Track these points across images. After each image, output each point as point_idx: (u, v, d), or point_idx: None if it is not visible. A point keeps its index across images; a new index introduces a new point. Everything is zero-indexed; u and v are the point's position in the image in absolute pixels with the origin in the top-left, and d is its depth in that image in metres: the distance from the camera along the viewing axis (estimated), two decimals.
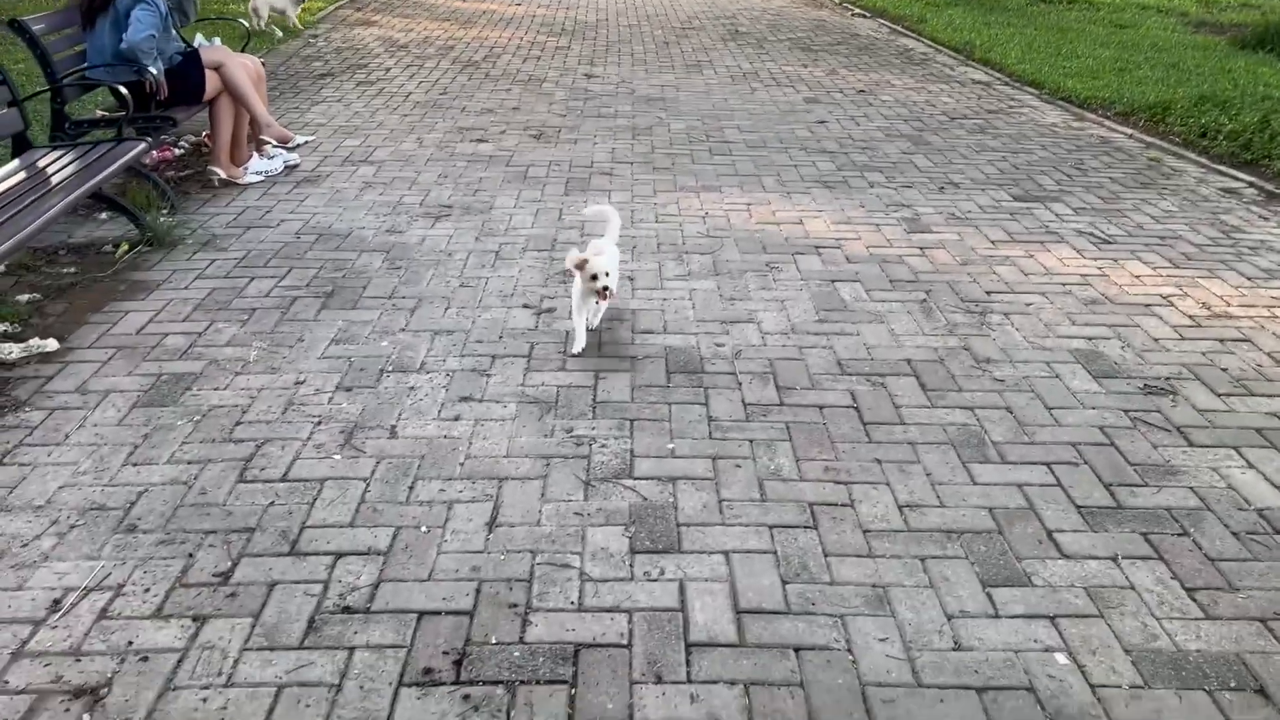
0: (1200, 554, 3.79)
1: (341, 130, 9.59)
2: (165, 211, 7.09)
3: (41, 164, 6.24)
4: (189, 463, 4.31)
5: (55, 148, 6.61)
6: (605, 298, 5.02)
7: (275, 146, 8.36)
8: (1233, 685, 3.18)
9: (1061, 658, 3.30)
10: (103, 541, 3.81)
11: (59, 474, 4.21)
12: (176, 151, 8.54)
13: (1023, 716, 3.06)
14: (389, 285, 6.15)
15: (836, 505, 4.08)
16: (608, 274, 4.93)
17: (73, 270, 6.28)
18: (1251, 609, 3.51)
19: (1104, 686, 3.18)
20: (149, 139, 6.90)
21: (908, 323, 5.72)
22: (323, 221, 7.21)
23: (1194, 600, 3.55)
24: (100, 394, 4.85)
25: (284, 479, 4.21)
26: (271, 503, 4.05)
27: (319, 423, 4.64)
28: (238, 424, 4.61)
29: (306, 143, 8.91)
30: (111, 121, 7.20)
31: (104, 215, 7.06)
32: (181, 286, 6.09)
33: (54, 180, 5.96)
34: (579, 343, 5.16)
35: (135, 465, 4.28)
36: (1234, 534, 3.90)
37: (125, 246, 6.59)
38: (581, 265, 4.96)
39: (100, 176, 6.00)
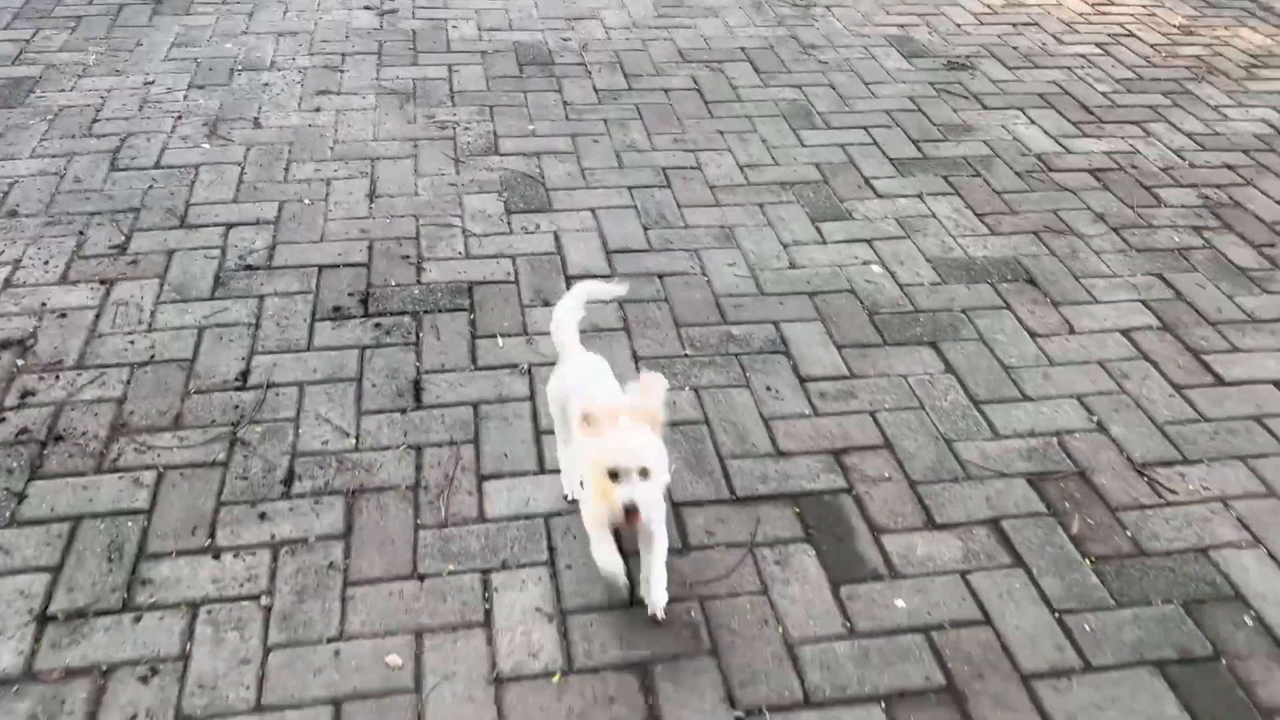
0: (989, 188, 4.49)
1: None
2: None
3: None
4: (54, 156, 4.34)
5: None
6: (634, 521, 2.34)
7: None
8: (1009, 278, 3.94)
9: (876, 268, 3.96)
10: None
11: None
12: None
13: (845, 309, 3.72)
14: None
15: (686, 168, 4.55)
16: (644, 472, 2.32)
17: None
18: (1026, 225, 4.25)
19: (910, 285, 3.87)
20: None
21: (740, 17, 6.06)
22: None
23: (983, 222, 4.26)
24: None
25: (157, 166, 4.32)
26: (150, 186, 4.18)
27: (179, 117, 4.69)
28: (95, 121, 4.61)
29: None
30: None
31: None
32: None
33: None
34: (605, 565, 2.47)
35: None
36: (1016, 173, 4.62)
37: None
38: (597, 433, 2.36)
39: None
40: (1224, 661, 2.55)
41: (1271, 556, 2.83)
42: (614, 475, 2.30)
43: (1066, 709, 2.41)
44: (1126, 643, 2.58)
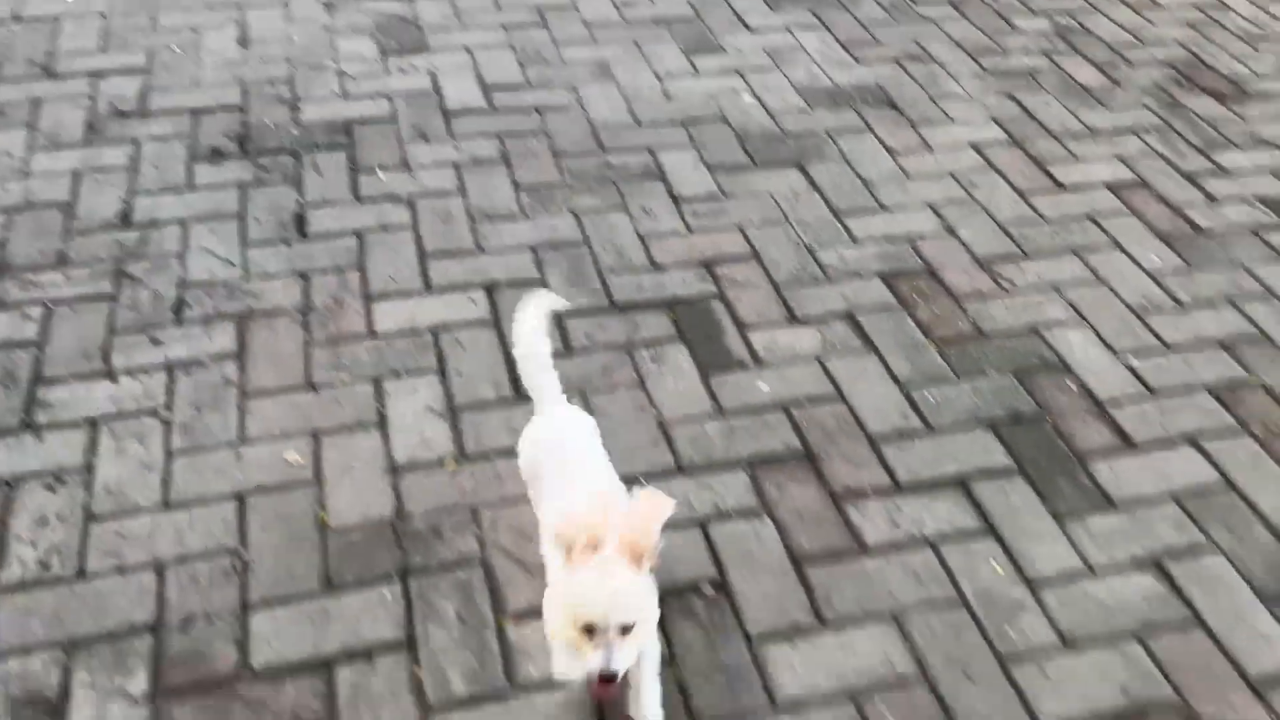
0: (855, 21, 4.64)
1: None
2: None
3: None
4: None
5: None
6: (606, 693, 1.93)
7: None
8: (869, 101, 4.13)
9: (747, 97, 4.11)
10: None
11: None
12: None
13: (718, 136, 3.88)
14: None
15: (562, 8, 4.58)
16: (624, 629, 1.81)
17: None
18: (889, 54, 4.44)
19: (778, 111, 4.04)
20: None
21: None
22: None
23: (848, 52, 4.43)
24: None
25: (15, 19, 4.19)
26: (10, 40, 4.07)
27: None
28: None
29: None
30: None
31: None
32: None
33: None
34: (563, 674, 2.12)
35: None
36: (881, 6, 4.78)
37: None
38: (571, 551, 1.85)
39: None
40: (1049, 420, 2.87)
41: (1096, 333, 3.15)
42: (590, 630, 1.79)
43: (908, 463, 2.71)
44: (964, 408, 2.88)
